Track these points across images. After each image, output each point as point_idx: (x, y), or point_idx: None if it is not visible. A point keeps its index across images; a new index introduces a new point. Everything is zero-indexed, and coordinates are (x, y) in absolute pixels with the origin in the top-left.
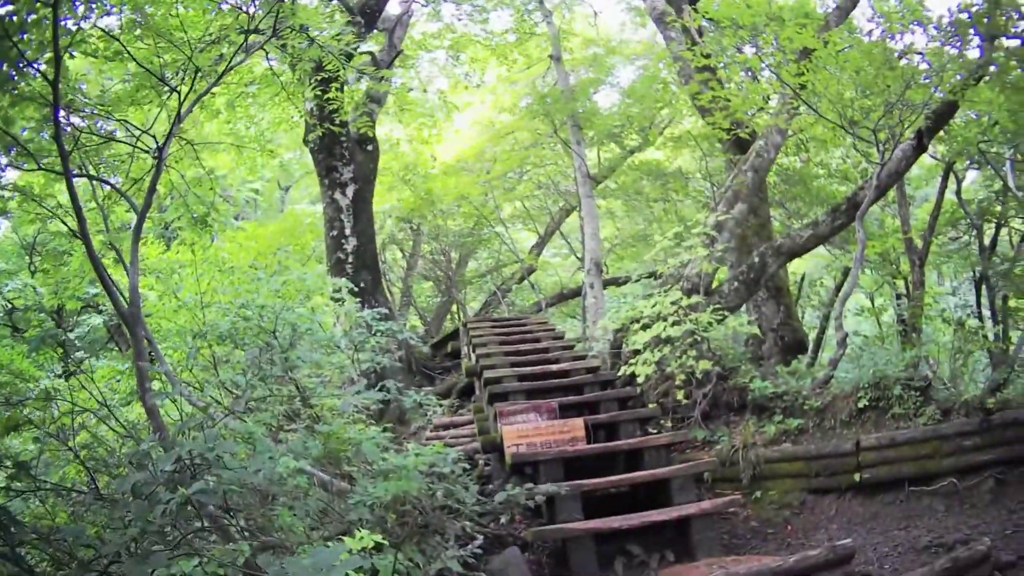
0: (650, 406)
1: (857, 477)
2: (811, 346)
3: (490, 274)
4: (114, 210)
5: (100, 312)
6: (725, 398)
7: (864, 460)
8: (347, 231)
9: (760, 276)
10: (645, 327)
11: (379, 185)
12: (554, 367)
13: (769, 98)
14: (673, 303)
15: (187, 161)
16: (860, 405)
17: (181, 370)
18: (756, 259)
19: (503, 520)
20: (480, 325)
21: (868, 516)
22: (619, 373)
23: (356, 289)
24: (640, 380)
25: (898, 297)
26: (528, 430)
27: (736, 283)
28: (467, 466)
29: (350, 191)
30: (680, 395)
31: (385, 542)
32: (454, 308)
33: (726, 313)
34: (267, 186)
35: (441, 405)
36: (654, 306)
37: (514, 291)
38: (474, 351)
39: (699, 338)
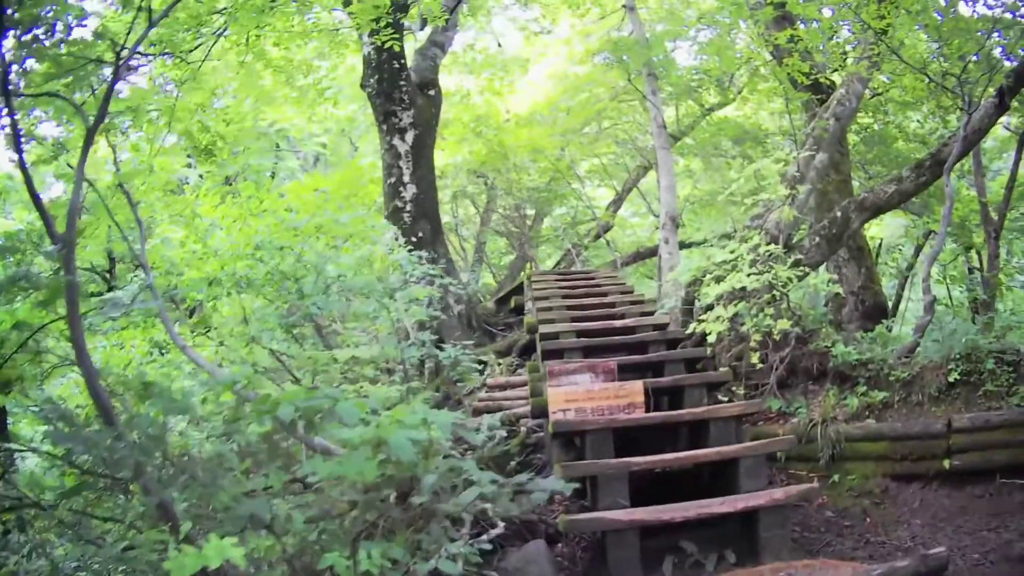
0: (721, 370)
1: (946, 463)
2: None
3: (565, 231)
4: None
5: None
6: (804, 364)
7: (955, 444)
8: (406, 178)
9: (843, 232)
10: (718, 279)
11: (450, 137)
12: (617, 323)
13: (846, 53)
14: (751, 250)
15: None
16: (951, 379)
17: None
18: (839, 213)
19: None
20: (545, 279)
21: (956, 510)
22: (688, 331)
23: (414, 239)
24: (711, 340)
25: (970, 271)
26: (579, 393)
27: (817, 238)
28: (505, 433)
29: (409, 137)
30: (755, 358)
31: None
32: (528, 266)
33: (807, 269)
34: (333, 139)
35: (499, 363)
36: (731, 252)
37: (589, 249)
38: (535, 305)
39: (778, 295)
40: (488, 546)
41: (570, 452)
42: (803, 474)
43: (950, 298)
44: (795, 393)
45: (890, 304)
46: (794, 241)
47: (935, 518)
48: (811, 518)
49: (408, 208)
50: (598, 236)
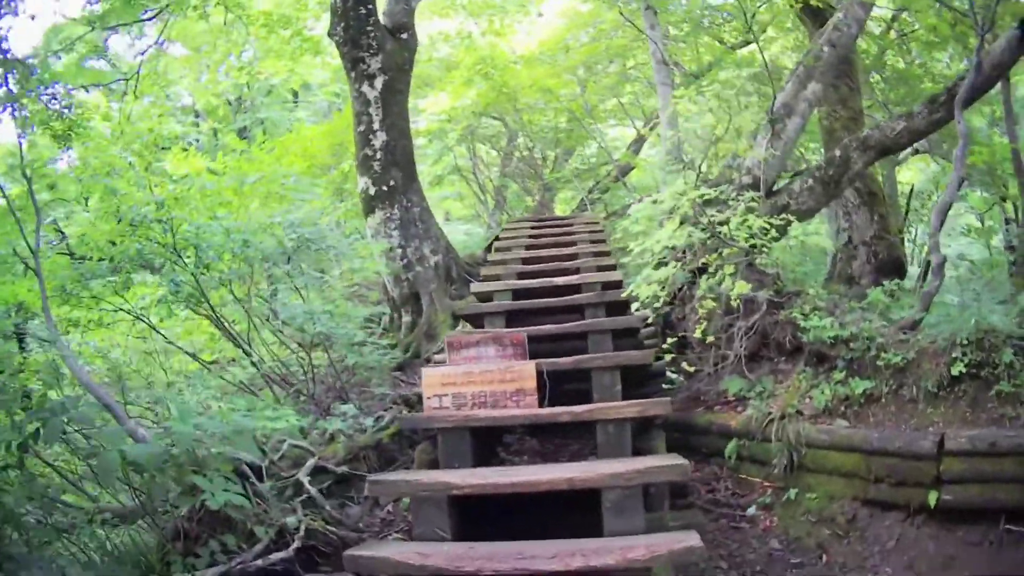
0: (668, 342)
1: (934, 496)
2: (921, 269)
3: (581, 174)
4: None
5: None
6: (775, 336)
7: (948, 470)
8: (375, 125)
9: (842, 174)
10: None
11: (455, 81)
12: (559, 281)
13: None
14: (686, 196)
15: None
16: (955, 371)
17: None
18: (838, 153)
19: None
20: (519, 227)
21: (941, 560)
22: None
23: (384, 188)
24: (647, 302)
25: (1007, 223)
26: (457, 375)
27: (811, 181)
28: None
29: (379, 82)
30: (699, 331)
31: None
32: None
33: (789, 218)
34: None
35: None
36: (669, 201)
37: (610, 192)
38: (490, 258)
39: (746, 249)
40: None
41: (431, 454)
42: (755, 481)
43: (989, 250)
44: (763, 372)
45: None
46: (782, 185)
47: (913, 568)
48: (751, 544)
49: (378, 156)
50: (617, 178)
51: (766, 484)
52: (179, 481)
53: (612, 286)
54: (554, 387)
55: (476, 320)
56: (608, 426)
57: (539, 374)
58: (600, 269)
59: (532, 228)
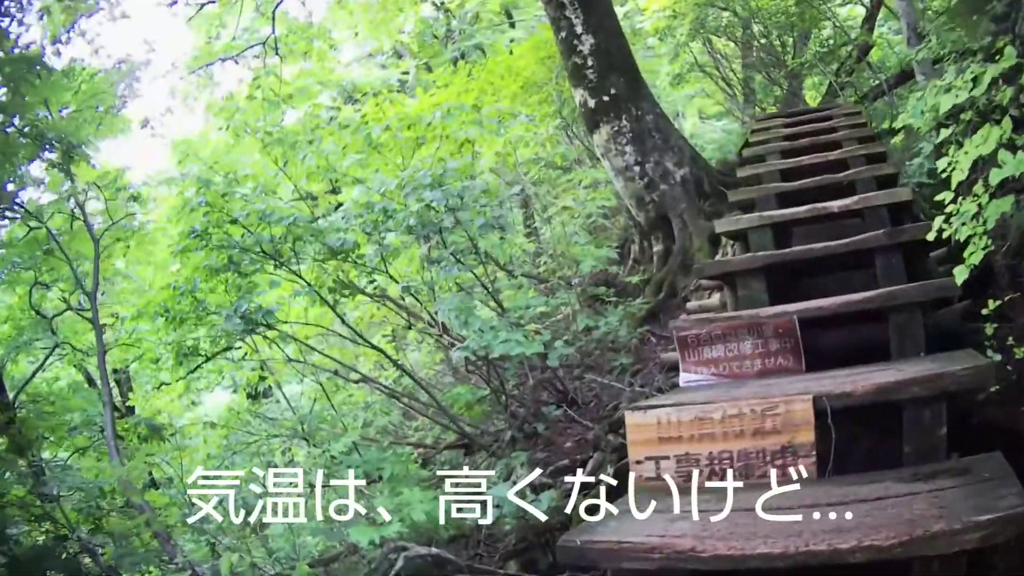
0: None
1: None
2: None
3: (824, 58)
4: None
5: None
6: None
7: None
8: (578, 28)
9: None
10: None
11: None
12: (835, 206)
13: None
14: None
15: None
16: None
17: None
18: None
19: None
20: (770, 125)
21: None
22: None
23: (606, 98)
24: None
25: None
26: (683, 423)
27: None
28: None
29: None
30: None
31: None
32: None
33: None
34: None
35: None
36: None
37: (855, 74)
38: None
39: None
40: None
41: None
42: None
43: None
44: None
45: None
46: None
47: None
48: None
49: (590, 63)
50: (859, 59)
51: None
52: None
53: (902, 209)
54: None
55: (724, 281)
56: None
57: (819, 415)
58: (879, 183)
59: (786, 127)
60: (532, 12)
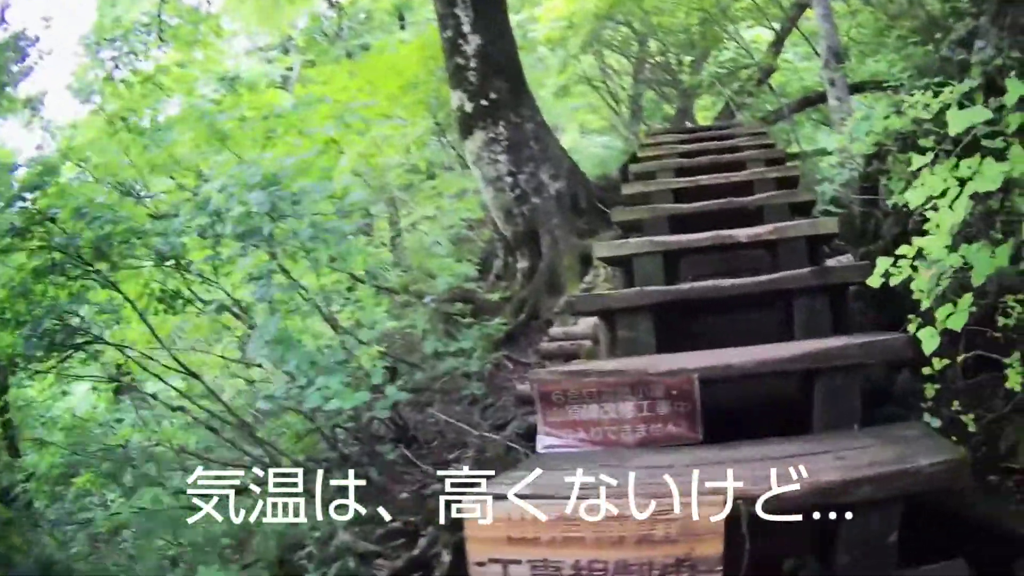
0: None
1: None
2: None
3: (720, 79)
4: None
5: None
6: None
7: None
8: (465, 27)
9: None
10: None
11: None
12: (742, 235)
13: None
14: None
15: None
16: None
17: None
18: None
19: None
20: (662, 141)
21: None
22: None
23: (484, 102)
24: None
25: None
26: (539, 525)
27: None
28: None
29: None
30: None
31: None
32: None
33: None
34: None
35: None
36: None
37: (754, 96)
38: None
39: None
40: None
41: None
42: None
43: None
44: None
45: None
46: None
47: None
48: None
49: (472, 65)
50: (760, 82)
51: None
52: None
53: (823, 241)
54: None
55: (604, 318)
56: None
57: (729, 522)
58: (794, 210)
59: (681, 143)
60: (425, 15)
